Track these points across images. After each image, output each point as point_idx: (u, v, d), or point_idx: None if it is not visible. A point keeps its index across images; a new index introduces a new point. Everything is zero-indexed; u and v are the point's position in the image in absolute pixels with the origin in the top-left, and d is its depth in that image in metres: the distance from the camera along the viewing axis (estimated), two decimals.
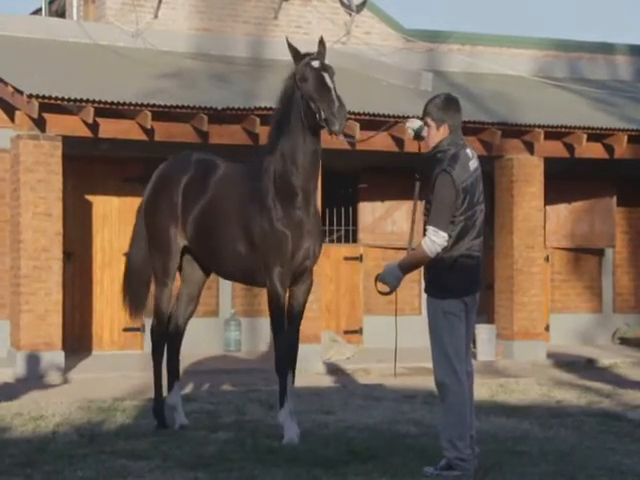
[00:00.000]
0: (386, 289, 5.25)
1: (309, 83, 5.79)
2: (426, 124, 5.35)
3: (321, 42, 5.98)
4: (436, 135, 5.30)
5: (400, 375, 10.86)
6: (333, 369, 11.58)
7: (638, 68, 16.34)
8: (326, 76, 5.80)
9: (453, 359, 5.26)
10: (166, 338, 6.73)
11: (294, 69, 5.94)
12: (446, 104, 5.33)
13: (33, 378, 10.55)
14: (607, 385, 9.42)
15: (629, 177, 14.68)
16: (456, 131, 5.32)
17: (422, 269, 5.40)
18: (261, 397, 8.09)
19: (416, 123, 5.52)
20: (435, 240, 5.14)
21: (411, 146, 5.71)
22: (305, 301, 6.25)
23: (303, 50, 6.01)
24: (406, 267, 5.26)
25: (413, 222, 5.53)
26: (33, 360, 10.76)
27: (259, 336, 12.98)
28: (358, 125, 11.42)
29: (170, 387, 6.67)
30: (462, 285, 5.29)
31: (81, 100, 10.65)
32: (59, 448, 5.91)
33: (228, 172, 6.46)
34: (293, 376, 6.17)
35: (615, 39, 28.75)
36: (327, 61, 5.94)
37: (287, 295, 6.16)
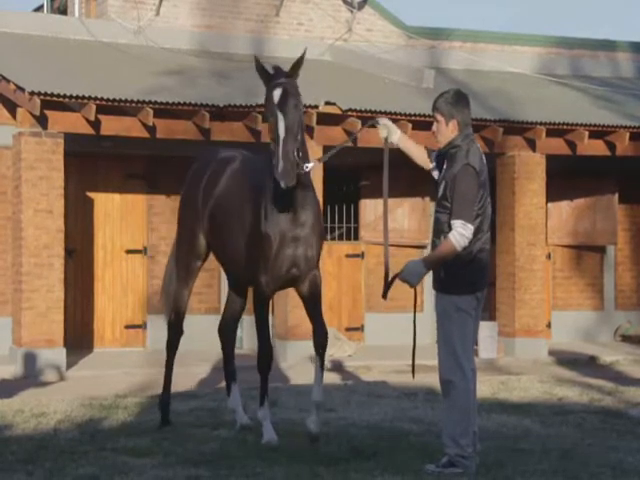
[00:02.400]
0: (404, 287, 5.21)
1: (269, 121, 5.61)
2: (435, 120, 5.33)
3: (301, 56, 5.80)
4: (446, 131, 5.29)
5: (401, 372, 10.86)
6: (334, 366, 11.58)
7: None
8: (280, 120, 5.52)
9: (461, 356, 5.26)
10: (180, 335, 6.77)
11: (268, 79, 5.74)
12: (456, 100, 5.32)
13: (34, 375, 10.55)
14: (609, 382, 9.41)
15: (631, 174, 14.66)
16: (467, 127, 5.33)
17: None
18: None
19: (384, 131, 5.51)
20: (464, 233, 5.12)
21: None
22: (315, 293, 5.97)
23: (300, 48, 5.91)
24: (433, 263, 5.21)
25: (386, 219, 5.55)
26: (35, 357, 10.77)
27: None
28: (360, 122, 11.42)
29: (228, 390, 6.62)
30: (476, 280, 5.29)
31: (83, 97, 10.65)
32: (60, 445, 5.91)
33: (238, 168, 6.35)
34: (322, 362, 5.94)
35: (617, 36, 28.71)
36: (299, 71, 5.72)
37: (274, 299, 6.11)
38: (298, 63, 5.75)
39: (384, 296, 5.46)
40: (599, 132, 12.95)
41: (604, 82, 15.35)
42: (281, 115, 5.54)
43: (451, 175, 5.22)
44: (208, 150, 6.93)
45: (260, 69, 5.66)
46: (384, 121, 5.60)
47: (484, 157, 5.37)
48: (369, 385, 9.12)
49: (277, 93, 5.59)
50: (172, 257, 6.93)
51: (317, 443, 5.82)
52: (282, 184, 5.47)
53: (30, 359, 10.77)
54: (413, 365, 5.57)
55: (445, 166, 5.32)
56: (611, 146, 13.23)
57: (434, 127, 5.36)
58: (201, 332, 12.85)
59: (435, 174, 5.52)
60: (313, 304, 6.01)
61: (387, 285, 5.44)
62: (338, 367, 11.61)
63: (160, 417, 6.59)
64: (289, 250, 5.80)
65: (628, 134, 12.96)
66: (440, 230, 5.26)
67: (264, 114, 5.69)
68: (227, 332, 6.82)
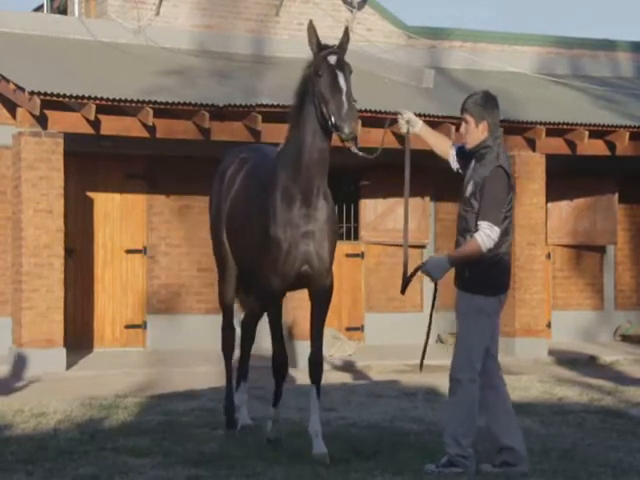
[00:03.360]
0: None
1: (322, 80, 5.51)
2: (464, 121, 5.32)
3: (345, 32, 5.68)
4: (476, 132, 5.30)
5: (401, 372, 10.86)
6: (334, 366, 11.58)
7: (639, 65, 16.33)
8: (340, 75, 5.50)
9: (475, 357, 5.28)
10: (234, 333, 6.65)
11: (312, 60, 5.69)
12: (485, 101, 5.35)
13: (34, 375, 10.55)
14: (609, 382, 9.41)
15: (631, 174, 14.66)
16: (496, 128, 5.35)
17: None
18: (263, 394, 8.09)
19: (405, 126, 5.51)
20: (490, 235, 5.15)
21: (415, 143, 5.61)
22: (325, 309, 5.85)
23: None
24: (457, 260, 5.23)
25: (406, 220, 5.59)
26: (34, 357, 10.77)
27: (263, 333, 12.96)
28: (360, 122, 11.40)
29: (237, 385, 6.55)
30: (501, 282, 5.34)
31: (83, 97, 10.65)
32: (60, 445, 5.91)
33: (252, 165, 6.28)
34: (317, 391, 5.80)
35: (617, 36, 28.70)
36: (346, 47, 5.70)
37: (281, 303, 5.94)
38: (345, 41, 5.68)
39: (403, 291, 5.45)
40: (599, 132, 12.95)
41: (604, 82, 15.35)
42: (341, 73, 5.51)
43: (481, 176, 5.22)
44: (232, 150, 6.82)
45: (312, 33, 5.64)
46: (407, 114, 5.57)
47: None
48: (369, 385, 9.12)
49: (333, 57, 5.56)
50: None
51: (327, 461, 5.51)
52: (345, 129, 5.31)
53: (30, 359, 10.76)
54: (422, 359, 5.54)
55: (473, 165, 5.32)
56: (611, 146, 13.23)
57: (462, 128, 5.36)
58: (201, 332, 12.85)
59: (454, 166, 5.54)
60: (318, 318, 5.85)
61: (406, 280, 5.44)
62: (338, 367, 11.61)
63: (225, 421, 6.47)
64: (300, 246, 5.65)
65: (628, 134, 12.96)
66: (465, 229, 5.26)
67: (314, 75, 5.50)
68: (248, 328, 6.70)
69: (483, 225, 5.15)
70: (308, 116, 5.61)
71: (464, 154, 5.46)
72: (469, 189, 5.28)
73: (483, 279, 5.25)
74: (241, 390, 6.55)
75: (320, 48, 5.65)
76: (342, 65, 5.56)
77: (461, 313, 5.36)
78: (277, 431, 5.97)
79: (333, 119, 5.40)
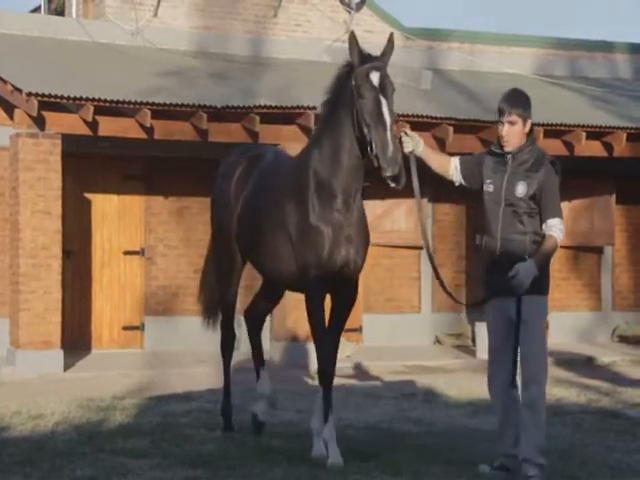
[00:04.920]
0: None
1: (364, 104, 5.31)
2: (510, 122, 5.20)
3: (390, 41, 5.54)
4: (522, 133, 5.25)
5: (399, 373, 10.86)
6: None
7: (637, 66, 16.33)
8: (384, 104, 5.29)
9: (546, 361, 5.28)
10: (234, 334, 6.58)
11: (352, 65, 5.47)
12: (528, 99, 5.31)
13: (32, 377, 10.53)
14: (606, 383, 9.41)
15: (628, 175, 14.66)
16: (532, 127, 5.33)
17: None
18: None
19: (409, 145, 5.40)
20: (562, 230, 5.20)
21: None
22: (346, 315, 5.74)
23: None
24: (541, 263, 5.17)
25: (423, 223, 5.63)
26: (32, 359, 10.75)
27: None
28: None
29: (258, 375, 6.46)
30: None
31: (80, 98, 10.64)
32: (58, 447, 5.90)
33: (271, 165, 6.13)
34: (327, 392, 5.69)
35: (615, 37, 28.73)
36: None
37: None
38: (388, 50, 5.57)
39: (470, 305, 5.42)
40: (596, 133, 12.95)
41: (602, 83, 15.35)
42: (384, 99, 5.33)
43: (538, 176, 5.18)
44: (235, 150, 6.71)
45: (354, 44, 5.44)
46: (411, 134, 5.46)
47: None
48: (367, 386, 9.11)
49: (375, 76, 5.38)
50: (211, 259, 6.75)
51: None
52: (389, 171, 5.20)
53: (28, 360, 10.75)
54: (450, 293, 5.47)
55: (511, 166, 5.23)
56: (608, 147, 13.23)
57: (506, 129, 5.22)
58: (199, 333, 12.82)
59: (457, 179, 5.44)
60: (337, 323, 5.71)
61: (483, 298, 5.31)
62: (336, 368, 11.58)
63: (223, 423, 6.44)
64: (340, 248, 5.55)
65: (625, 135, 12.96)
66: (522, 231, 5.17)
67: (355, 90, 5.30)
68: (255, 318, 6.61)
69: (556, 222, 5.17)
70: (346, 126, 5.46)
71: (471, 162, 5.41)
72: (521, 190, 5.18)
73: (545, 278, 5.20)
74: (263, 376, 6.42)
75: (362, 59, 5.45)
76: (385, 88, 5.37)
77: (533, 318, 5.20)
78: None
79: (374, 150, 5.27)
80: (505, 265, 5.14)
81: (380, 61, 5.50)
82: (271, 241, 5.80)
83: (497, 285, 5.19)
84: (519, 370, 5.31)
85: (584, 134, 12.75)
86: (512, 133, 5.22)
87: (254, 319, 6.62)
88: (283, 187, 5.80)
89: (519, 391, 5.32)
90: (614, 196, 14.83)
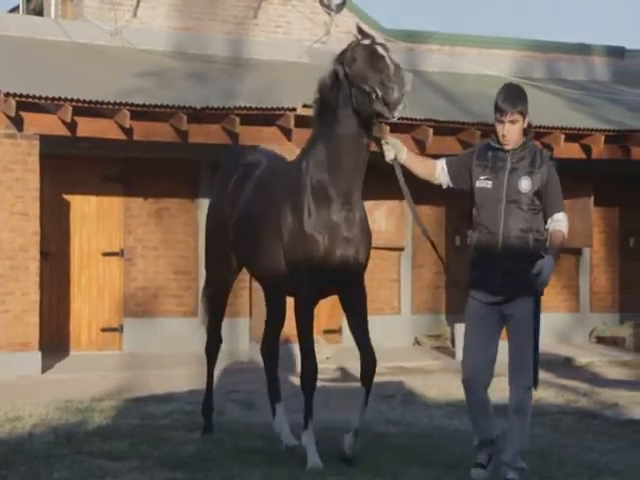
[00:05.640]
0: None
1: (359, 61, 5.19)
2: (512, 121, 5.13)
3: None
4: (521, 128, 5.18)
5: (379, 374, 10.84)
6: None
7: (615, 69, 16.45)
8: (378, 48, 5.17)
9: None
10: (220, 334, 6.47)
11: (340, 55, 5.39)
12: (525, 95, 5.24)
13: (10, 379, 10.47)
14: (584, 384, 9.47)
15: (606, 177, 14.76)
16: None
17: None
18: (240, 397, 8.08)
19: (391, 152, 5.28)
20: (567, 224, 5.19)
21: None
22: (362, 309, 5.61)
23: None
24: (557, 259, 5.15)
25: (419, 220, 5.68)
26: (10, 360, 10.67)
27: (238, 337, 12.95)
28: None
29: (273, 412, 6.21)
30: None
31: (59, 99, 10.58)
32: (36, 449, 5.87)
33: (266, 170, 5.96)
34: (309, 399, 5.62)
35: (593, 40, 28.92)
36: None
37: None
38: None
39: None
40: (575, 135, 13.03)
41: (580, 85, 15.46)
42: (380, 47, 5.21)
43: (541, 172, 5.15)
44: (233, 154, 6.56)
45: (360, 29, 5.36)
46: (392, 141, 5.33)
47: None
48: (347, 387, 9.11)
49: (367, 41, 5.28)
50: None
51: (349, 462, 5.44)
52: (395, 93, 4.98)
53: (5, 362, 10.67)
54: (452, 276, 5.43)
55: (510, 162, 5.15)
56: (587, 149, 13.32)
57: (506, 128, 5.13)
58: (179, 335, 12.81)
59: (445, 181, 5.33)
60: (359, 322, 5.59)
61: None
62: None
63: (203, 424, 6.36)
64: (338, 251, 5.39)
65: (603, 137, 13.05)
66: (529, 229, 5.11)
67: (346, 66, 5.21)
68: (270, 351, 6.41)
69: (562, 216, 5.16)
70: (344, 113, 5.29)
71: (459, 162, 5.30)
72: (526, 185, 5.11)
73: (531, 279, 5.07)
74: (278, 413, 6.19)
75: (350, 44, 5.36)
76: (377, 42, 5.26)
77: (527, 320, 5.12)
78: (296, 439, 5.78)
79: (379, 90, 5.06)
80: (507, 262, 5.06)
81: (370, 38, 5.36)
82: (267, 247, 5.66)
83: (493, 282, 5.07)
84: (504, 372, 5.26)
85: (563, 136, 12.83)
86: (513, 131, 5.15)
87: (270, 353, 6.43)
88: (279, 192, 5.65)
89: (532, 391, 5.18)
90: (592, 198, 14.93)
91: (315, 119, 5.53)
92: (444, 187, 5.41)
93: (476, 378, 5.26)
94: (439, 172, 5.35)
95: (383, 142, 5.34)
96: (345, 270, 5.44)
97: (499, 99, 5.20)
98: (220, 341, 6.61)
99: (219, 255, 6.26)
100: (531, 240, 5.14)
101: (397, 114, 5.12)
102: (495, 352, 5.25)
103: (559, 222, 5.17)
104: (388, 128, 11.79)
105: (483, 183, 5.17)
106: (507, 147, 5.17)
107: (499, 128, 5.18)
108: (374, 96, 5.12)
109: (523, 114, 5.17)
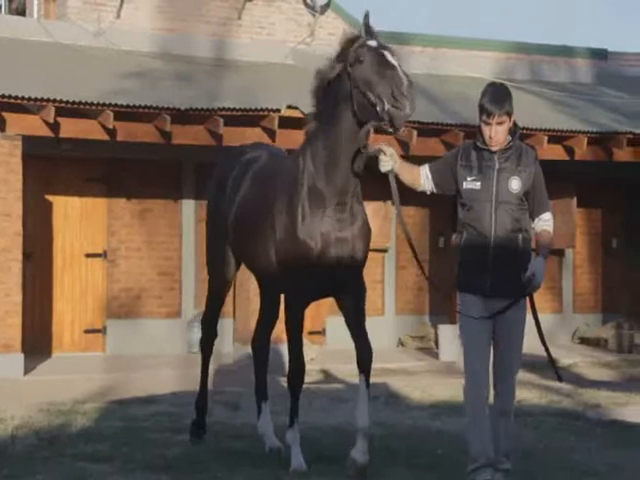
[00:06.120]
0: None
1: (365, 65, 4.93)
2: (500, 122, 5.06)
3: (366, 17, 5.18)
4: (508, 129, 5.11)
5: None
6: None
7: (597, 71, 16.55)
8: (387, 54, 4.95)
9: None
10: (215, 333, 6.32)
11: (341, 53, 5.15)
12: (510, 94, 5.17)
13: None
14: (567, 385, 9.51)
15: (589, 178, 14.84)
16: None
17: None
18: (225, 399, 8.07)
19: (388, 163, 5.12)
20: (553, 223, 5.16)
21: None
22: (360, 307, 5.49)
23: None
24: (547, 257, 5.12)
25: (405, 228, 5.66)
26: None
27: (222, 338, 12.90)
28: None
29: (259, 412, 6.10)
30: None
31: (42, 99, 10.53)
32: (18, 451, 5.84)
33: (264, 167, 5.80)
34: (296, 399, 5.56)
35: (575, 43, 29.04)
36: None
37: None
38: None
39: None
40: (558, 137, 13.09)
41: (562, 87, 15.54)
42: (388, 53, 4.98)
43: (529, 170, 5.11)
44: (231, 152, 6.46)
45: (367, 26, 5.15)
46: (390, 151, 5.12)
47: None
48: (331, 389, 9.12)
49: (374, 42, 5.05)
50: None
51: (364, 476, 5.23)
52: (407, 108, 4.79)
53: None
54: (433, 283, 5.30)
55: (498, 161, 5.09)
56: (570, 151, 13.38)
57: (494, 130, 5.05)
58: (162, 336, 12.77)
59: (429, 187, 5.25)
60: (356, 318, 5.47)
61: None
62: None
63: (195, 424, 6.20)
64: (331, 253, 5.21)
65: (586, 139, 13.12)
66: (520, 229, 5.07)
67: (350, 66, 4.97)
68: (261, 347, 6.32)
69: (549, 216, 5.13)
70: (342, 113, 5.10)
71: (442, 167, 5.22)
72: (516, 185, 5.06)
73: (524, 282, 5.06)
74: (264, 412, 6.10)
75: (352, 39, 5.13)
76: (386, 46, 5.04)
77: (517, 323, 5.15)
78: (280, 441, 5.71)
79: (386, 103, 4.84)
80: (498, 263, 5.01)
81: (375, 37, 5.17)
82: (262, 246, 5.54)
83: (483, 284, 5.02)
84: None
85: (546, 138, 12.88)
86: (501, 132, 5.08)
87: (261, 349, 6.36)
88: (274, 191, 5.49)
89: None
90: (575, 199, 15.00)
91: (312, 115, 5.37)
92: (428, 193, 5.35)
93: (482, 396, 5.10)
94: (423, 179, 5.28)
95: (380, 154, 5.15)
96: (339, 271, 5.29)
97: (485, 101, 5.10)
98: (215, 336, 6.43)
99: (218, 252, 6.15)
100: (520, 240, 5.10)
101: (401, 131, 4.99)
102: (489, 364, 5.19)
103: (547, 222, 5.14)
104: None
105: (471, 184, 5.09)
106: (494, 148, 5.11)
107: (486, 130, 5.11)
108: (379, 108, 4.92)
109: (509, 114, 5.10)
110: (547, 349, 5.13)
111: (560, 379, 5.22)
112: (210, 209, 6.34)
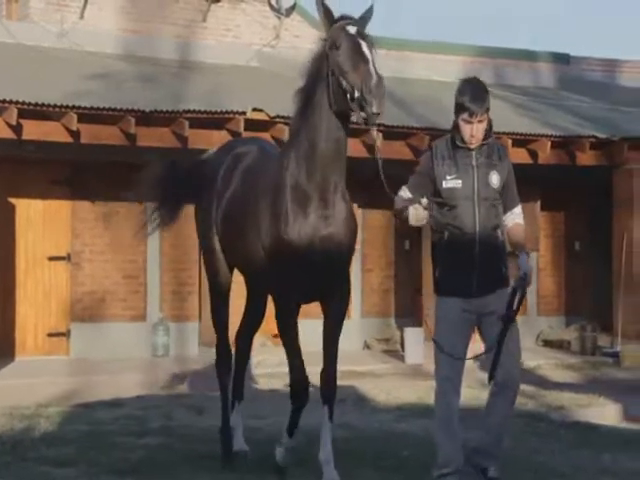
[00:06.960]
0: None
1: (341, 52, 4.74)
2: (480, 121, 4.97)
3: (370, 9, 4.95)
4: (486, 125, 5.03)
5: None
6: (263, 373, 11.54)
7: (560, 75, 16.73)
8: (363, 45, 4.74)
9: None
10: (231, 354, 5.92)
11: (324, 35, 4.93)
12: (488, 90, 5.06)
13: None
14: (531, 386, 9.58)
15: (552, 182, 14.99)
16: None
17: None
18: (189, 402, 8.03)
19: (422, 215, 4.90)
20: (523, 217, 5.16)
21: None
22: (339, 321, 5.34)
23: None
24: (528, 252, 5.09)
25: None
26: None
27: (188, 341, 12.87)
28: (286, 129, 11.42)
29: (232, 406, 5.88)
30: None
31: (4, 101, 10.42)
32: None
33: (252, 163, 5.58)
34: (298, 412, 5.35)
35: (538, 47, 29.35)
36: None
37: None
38: (368, 16, 4.96)
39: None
40: (522, 140, 13.21)
41: (526, 91, 15.69)
42: (364, 42, 4.76)
43: (504, 166, 5.07)
44: (222, 146, 6.18)
45: (320, 4, 4.90)
46: (424, 201, 4.93)
47: None
48: None
49: (353, 28, 4.84)
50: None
51: None
52: (373, 106, 4.56)
53: None
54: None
55: (476, 158, 5.02)
56: (533, 154, 13.51)
57: (475, 128, 4.96)
58: (127, 340, 12.68)
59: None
60: (331, 332, 5.34)
61: (515, 311, 5.05)
62: (267, 374, 11.57)
63: (222, 451, 5.75)
64: (317, 251, 4.99)
65: (550, 143, 13.25)
66: (498, 224, 5.05)
67: (328, 49, 4.80)
68: (242, 345, 6.07)
69: (520, 209, 5.11)
70: (320, 101, 4.90)
71: (420, 180, 5.09)
72: (495, 180, 5.00)
73: (518, 283, 5.03)
74: (236, 411, 5.90)
75: (333, 20, 4.89)
76: (364, 35, 4.82)
77: (511, 317, 5.09)
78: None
79: (357, 93, 4.65)
80: (483, 261, 4.99)
81: (359, 20, 4.94)
82: (248, 245, 5.32)
83: (468, 284, 4.98)
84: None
85: (510, 141, 12.99)
86: (481, 130, 5.02)
87: (242, 347, 6.11)
88: (259, 190, 5.27)
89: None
90: (539, 202, 15.14)
91: (295, 108, 5.17)
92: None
93: (452, 402, 5.10)
94: (407, 202, 5.08)
95: (416, 206, 4.91)
96: (326, 269, 5.07)
97: (466, 100, 4.94)
98: (230, 356, 6.00)
99: (212, 259, 5.86)
100: (499, 235, 5.11)
101: (374, 127, 4.80)
102: (463, 369, 5.13)
103: (518, 215, 5.14)
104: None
105: (451, 183, 4.99)
106: (473, 146, 5.03)
107: (467, 128, 4.98)
108: (349, 97, 4.75)
109: (489, 110, 5.03)
110: (499, 347, 5.10)
111: (490, 379, 5.18)
112: (199, 206, 6.01)
